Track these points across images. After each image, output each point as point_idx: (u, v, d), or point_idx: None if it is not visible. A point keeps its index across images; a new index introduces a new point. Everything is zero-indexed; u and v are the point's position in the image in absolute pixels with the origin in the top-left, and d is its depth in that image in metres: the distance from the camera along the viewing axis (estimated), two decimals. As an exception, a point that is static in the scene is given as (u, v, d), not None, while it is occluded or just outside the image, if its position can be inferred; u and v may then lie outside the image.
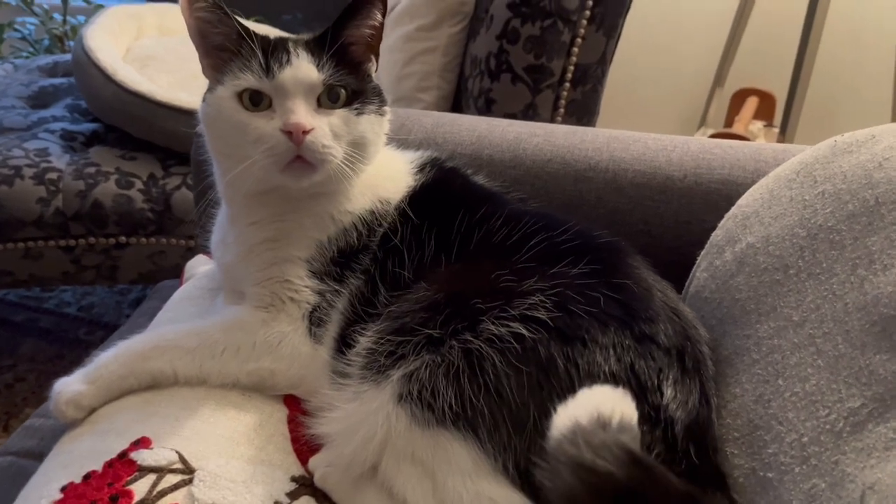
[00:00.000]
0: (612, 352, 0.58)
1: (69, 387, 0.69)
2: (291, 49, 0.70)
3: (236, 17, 0.71)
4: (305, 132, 0.67)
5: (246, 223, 0.76)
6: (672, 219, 0.84)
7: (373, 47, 0.76)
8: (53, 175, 1.53)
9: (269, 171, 0.69)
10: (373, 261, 0.73)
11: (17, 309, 2.18)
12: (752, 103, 2.22)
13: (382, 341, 0.64)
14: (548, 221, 0.71)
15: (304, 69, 0.69)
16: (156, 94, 1.53)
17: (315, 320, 0.72)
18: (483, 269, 0.66)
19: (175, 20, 2.02)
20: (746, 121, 2.12)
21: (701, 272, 0.75)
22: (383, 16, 0.74)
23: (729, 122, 2.30)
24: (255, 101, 0.70)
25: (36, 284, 1.63)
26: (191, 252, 1.62)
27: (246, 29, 0.71)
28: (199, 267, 0.93)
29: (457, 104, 1.80)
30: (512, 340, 0.59)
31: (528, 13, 1.54)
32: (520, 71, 1.57)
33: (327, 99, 0.71)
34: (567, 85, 1.59)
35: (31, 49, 2.76)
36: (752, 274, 0.68)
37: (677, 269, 0.78)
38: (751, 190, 0.76)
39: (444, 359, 0.60)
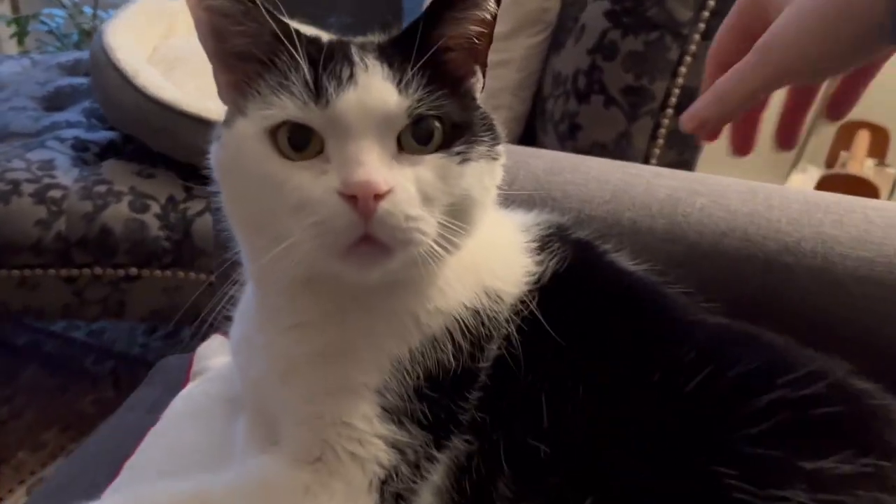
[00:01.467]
0: None
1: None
2: (356, 58, 0.46)
3: (272, 11, 0.46)
4: (379, 196, 0.42)
5: (285, 324, 0.50)
6: (918, 335, 0.56)
7: (479, 55, 0.51)
8: (57, 193, 1.30)
9: (321, 256, 0.44)
10: (483, 407, 0.46)
11: (20, 330, 1.96)
12: (863, 138, 1.91)
13: None
14: (771, 355, 0.44)
15: (376, 90, 0.44)
16: (180, 103, 1.29)
17: (390, 497, 0.45)
18: (684, 458, 0.39)
19: (211, 17, 1.78)
20: (861, 159, 1.81)
21: None
22: (498, 4, 0.49)
23: (832, 160, 2.00)
24: (299, 142, 0.45)
25: (33, 317, 1.41)
26: (211, 288, 1.38)
27: (285, 26, 0.46)
28: (214, 357, 0.67)
29: (530, 127, 1.54)
30: None
31: (630, 24, 1.28)
32: (615, 93, 1.31)
33: (413, 139, 0.46)
34: (670, 111, 1.32)
35: (58, 43, 2.57)
36: None
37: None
38: None
39: None
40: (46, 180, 1.31)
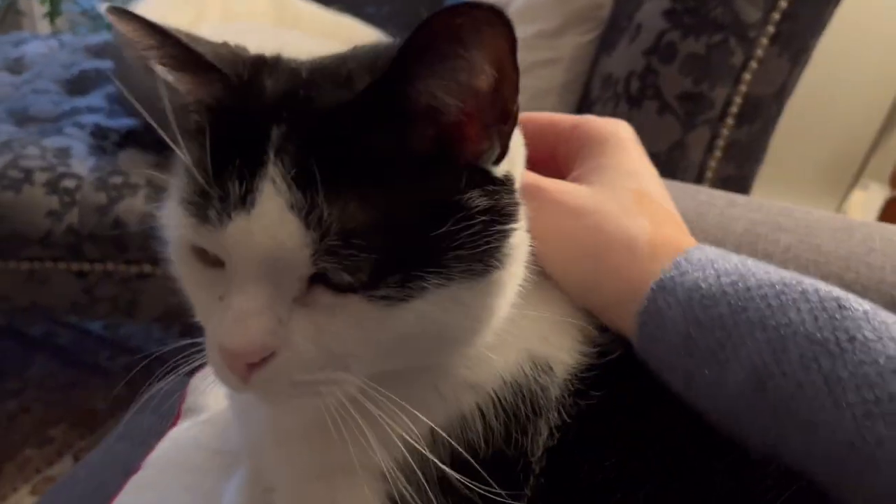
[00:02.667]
0: None
1: None
2: (270, 153, 0.32)
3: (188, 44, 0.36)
4: (252, 365, 0.33)
5: None
6: None
7: (485, 118, 0.34)
8: (70, 183, 1.23)
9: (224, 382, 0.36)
10: None
11: (35, 320, 1.90)
12: (933, 156, 1.77)
13: None
14: None
15: (268, 224, 0.31)
16: (202, 93, 1.21)
17: None
18: None
19: (243, 2, 1.71)
20: (932, 178, 1.67)
21: None
22: (513, 51, 0.31)
23: (896, 178, 1.86)
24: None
25: (40, 313, 1.35)
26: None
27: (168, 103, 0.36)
28: (208, 392, 0.58)
29: (574, 132, 1.43)
30: None
31: (691, 25, 1.16)
32: (670, 98, 1.20)
33: (324, 284, 0.33)
34: (729, 121, 1.21)
35: (91, 24, 2.52)
36: None
37: None
38: None
39: None
40: (61, 169, 1.24)
